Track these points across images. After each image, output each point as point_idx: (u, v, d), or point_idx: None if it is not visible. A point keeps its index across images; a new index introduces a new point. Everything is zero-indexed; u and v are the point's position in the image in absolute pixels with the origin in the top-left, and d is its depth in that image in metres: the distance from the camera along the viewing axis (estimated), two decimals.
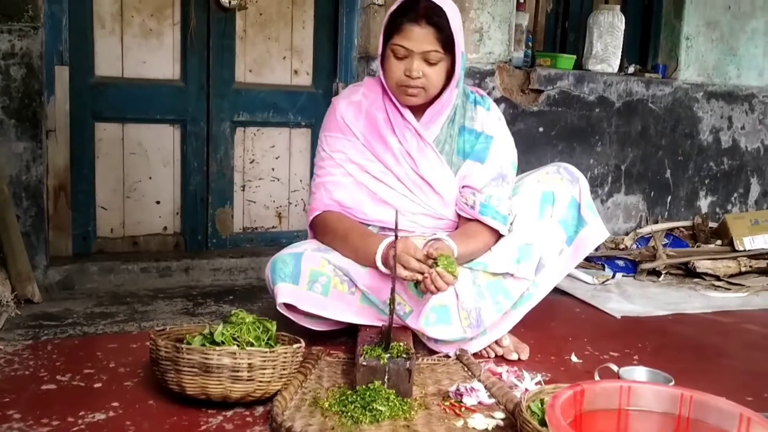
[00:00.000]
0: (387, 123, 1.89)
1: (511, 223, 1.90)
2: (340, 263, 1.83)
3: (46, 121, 2.41)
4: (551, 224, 1.93)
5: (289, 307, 1.80)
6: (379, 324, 1.81)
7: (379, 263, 1.73)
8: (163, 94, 2.71)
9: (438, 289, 1.65)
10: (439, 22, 1.75)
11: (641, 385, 1.18)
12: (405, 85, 1.80)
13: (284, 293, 1.78)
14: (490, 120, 1.93)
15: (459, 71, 1.83)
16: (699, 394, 1.12)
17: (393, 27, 1.77)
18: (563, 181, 1.95)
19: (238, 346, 1.47)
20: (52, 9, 2.42)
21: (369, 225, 1.91)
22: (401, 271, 1.64)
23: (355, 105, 1.93)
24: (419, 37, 1.74)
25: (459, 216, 1.92)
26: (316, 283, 1.81)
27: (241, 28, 2.82)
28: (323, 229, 1.90)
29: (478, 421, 1.43)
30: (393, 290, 1.61)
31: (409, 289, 1.78)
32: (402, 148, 1.89)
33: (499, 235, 1.89)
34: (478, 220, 1.86)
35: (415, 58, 1.76)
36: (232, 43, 2.80)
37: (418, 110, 1.88)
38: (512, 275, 1.86)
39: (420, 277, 1.64)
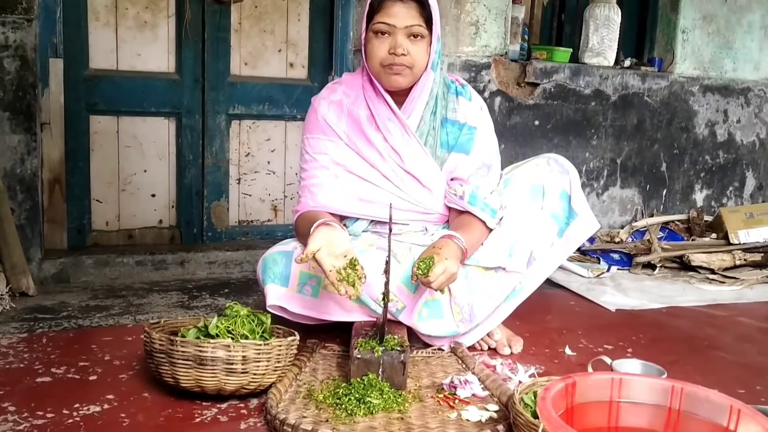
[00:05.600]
0: (370, 120, 1.87)
1: (500, 219, 1.87)
2: None
3: (41, 114, 2.40)
4: (542, 217, 1.90)
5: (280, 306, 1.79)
6: (373, 319, 1.81)
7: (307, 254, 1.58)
8: (158, 87, 2.71)
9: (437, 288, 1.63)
10: None
11: (632, 377, 1.18)
12: (390, 64, 1.77)
13: (274, 295, 1.77)
14: (473, 110, 1.91)
15: (434, 54, 1.82)
16: (689, 386, 1.12)
17: (374, 8, 1.76)
18: (553, 173, 1.93)
19: (232, 338, 1.47)
20: (46, 1, 2.41)
21: (359, 219, 1.91)
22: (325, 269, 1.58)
23: (336, 104, 1.89)
24: (402, 13, 1.73)
25: (449, 209, 1.91)
26: (306, 285, 1.79)
27: (236, 20, 2.81)
28: (296, 231, 1.88)
29: (471, 413, 1.44)
30: (387, 283, 1.61)
31: (402, 284, 1.77)
32: (386, 144, 1.86)
33: (488, 229, 1.86)
34: (468, 212, 1.85)
35: (398, 34, 1.74)
36: (228, 36, 2.79)
37: (400, 101, 1.87)
38: (504, 269, 1.85)
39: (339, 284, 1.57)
